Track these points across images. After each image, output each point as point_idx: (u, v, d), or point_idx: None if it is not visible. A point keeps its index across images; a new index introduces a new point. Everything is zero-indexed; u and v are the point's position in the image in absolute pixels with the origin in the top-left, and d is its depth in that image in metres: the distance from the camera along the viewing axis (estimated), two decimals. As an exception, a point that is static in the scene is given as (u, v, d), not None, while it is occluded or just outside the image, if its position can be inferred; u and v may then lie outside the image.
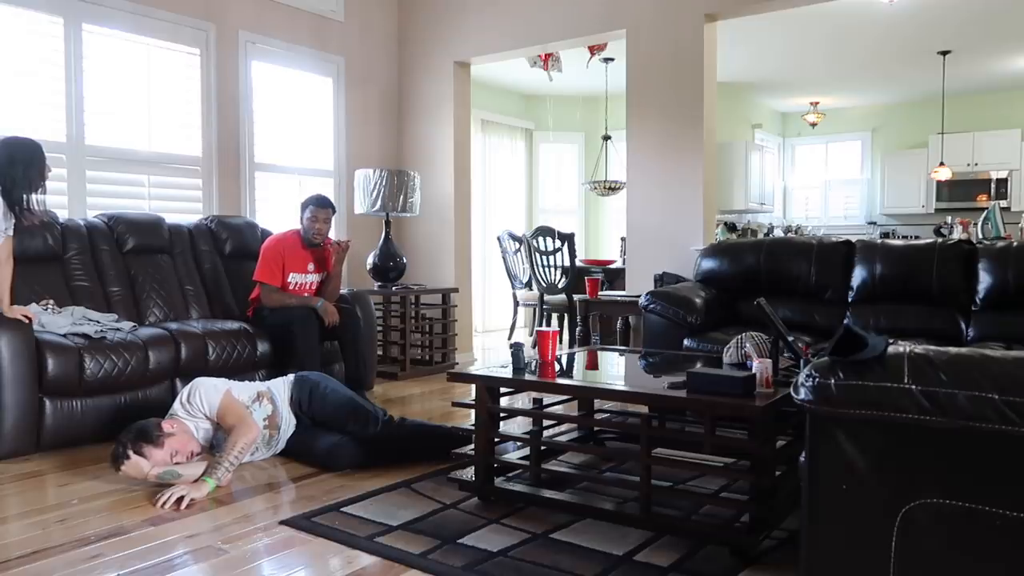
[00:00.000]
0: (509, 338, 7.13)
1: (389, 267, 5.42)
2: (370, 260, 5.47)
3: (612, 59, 7.37)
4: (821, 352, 1.63)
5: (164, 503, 2.64)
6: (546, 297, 6.40)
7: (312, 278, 4.42)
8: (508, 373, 2.70)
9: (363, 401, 3.33)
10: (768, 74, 8.37)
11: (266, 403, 3.21)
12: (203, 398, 3.07)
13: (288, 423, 3.27)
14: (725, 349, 2.88)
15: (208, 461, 2.93)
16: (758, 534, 2.22)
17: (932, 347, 1.47)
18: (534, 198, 9.43)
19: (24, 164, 3.34)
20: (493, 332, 8.50)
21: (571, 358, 3.20)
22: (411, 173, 5.43)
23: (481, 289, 8.40)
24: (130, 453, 2.79)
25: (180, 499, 2.65)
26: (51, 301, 3.73)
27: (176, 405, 3.11)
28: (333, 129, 5.95)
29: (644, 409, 2.80)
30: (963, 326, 3.70)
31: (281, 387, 3.32)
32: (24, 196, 3.36)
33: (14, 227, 3.44)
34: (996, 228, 6.34)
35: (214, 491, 2.76)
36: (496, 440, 2.75)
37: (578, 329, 5.39)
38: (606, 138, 8.36)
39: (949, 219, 8.49)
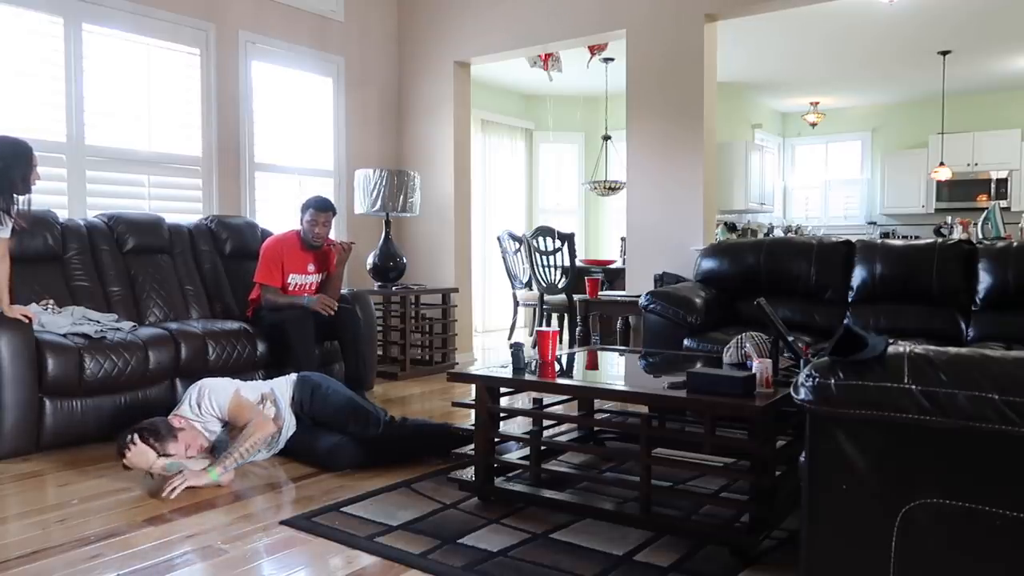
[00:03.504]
0: (509, 338, 7.13)
1: (389, 267, 5.42)
2: (370, 260, 5.47)
3: (612, 59, 7.37)
4: (821, 352, 1.63)
5: (172, 491, 2.70)
6: (546, 297, 6.40)
7: (312, 279, 4.42)
8: (508, 373, 2.70)
9: (364, 402, 3.33)
10: (768, 74, 8.37)
11: (269, 405, 3.22)
12: (212, 400, 3.08)
13: (289, 424, 3.27)
14: (725, 349, 2.88)
15: (210, 459, 2.96)
16: (758, 534, 2.22)
17: (932, 347, 1.47)
18: (534, 198, 9.43)
19: (3, 163, 3.30)
20: (493, 332, 8.50)
21: (571, 358, 3.20)
22: (411, 173, 5.43)
23: (481, 289, 8.40)
24: (137, 441, 2.83)
25: (178, 485, 2.72)
26: (51, 301, 3.73)
27: (184, 407, 3.10)
28: (333, 129, 5.95)
29: (644, 409, 2.80)
30: (963, 326, 3.70)
31: (284, 387, 3.33)
32: (3, 196, 3.32)
33: (11, 229, 3.42)
34: (996, 228, 6.34)
35: (215, 480, 2.80)
36: (496, 440, 2.75)
37: (578, 329, 5.39)
38: (606, 138, 8.36)
39: (949, 219, 8.49)
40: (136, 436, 2.84)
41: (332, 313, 4.22)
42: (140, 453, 2.82)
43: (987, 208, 6.61)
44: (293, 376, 3.40)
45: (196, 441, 3.01)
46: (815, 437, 1.52)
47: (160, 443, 2.87)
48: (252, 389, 3.24)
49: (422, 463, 3.17)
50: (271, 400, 3.23)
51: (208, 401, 3.08)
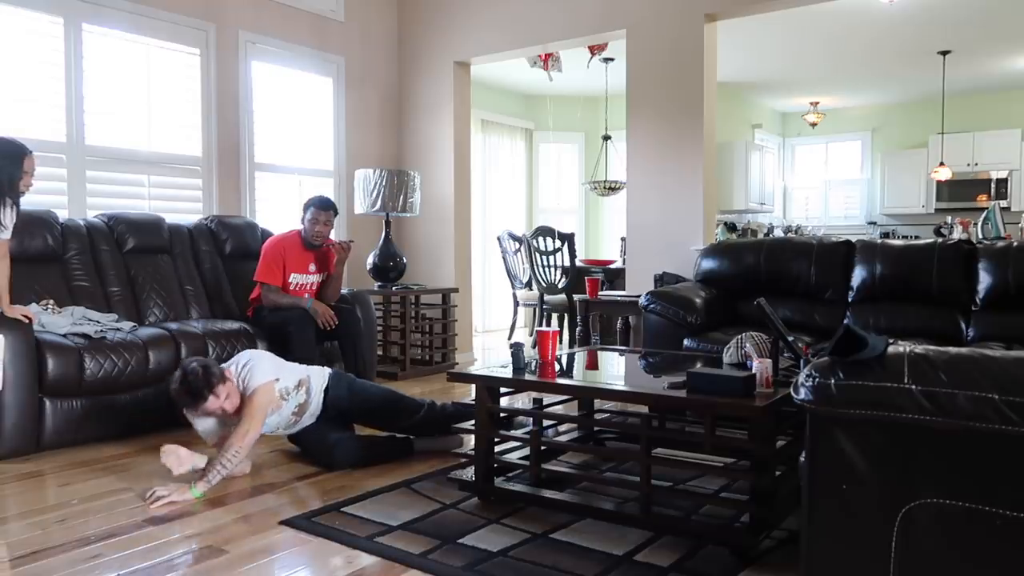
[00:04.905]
0: (509, 338, 7.12)
1: (389, 267, 5.42)
2: (370, 260, 5.47)
3: (612, 59, 7.37)
4: (821, 352, 1.63)
5: (154, 501, 2.68)
6: (546, 297, 6.40)
7: (313, 279, 4.42)
8: (508, 373, 2.70)
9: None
10: (768, 74, 8.37)
11: (303, 392, 3.23)
12: (249, 375, 3.03)
13: (314, 413, 3.28)
14: (725, 349, 2.88)
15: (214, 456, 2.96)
16: (758, 534, 2.22)
17: (932, 347, 1.47)
18: (534, 198, 9.43)
19: None
20: (493, 332, 8.50)
21: (571, 358, 3.20)
22: (411, 173, 5.43)
23: (481, 289, 8.40)
24: (206, 394, 2.88)
25: (160, 497, 2.70)
26: (51, 301, 3.73)
27: (232, 366, 3.08)
28: (333, 129, 5.95)
29: (644, 409, 2.80)
30: (963, 326, 3.70)
31: (318, 377, 3.33)
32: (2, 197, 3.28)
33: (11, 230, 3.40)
34: (996, 228, 6.33)
35: (198, 496, 2.74)
36: (496, 440, 2.75)
37: (578, 329, 5.39)
38: (606, 138, 8.36)
39: (949, 219, 8.49)
40: (205, 389, 2.88)
41: (332, 328, 4.23)
42: (188, 394, 2.88)
43: (987, 208, 6.60)
44: (327, 369, 3.43)
45: (235, 399, 2.97)
46: (815, 437, 1.52)
47: (210, 380, 2.89)
48: (292, 373, 3.23)
49: (422, 463, 3.18)
50: (306, 388, 3.24)
51: (247, 372, 3.04)
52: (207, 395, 2.89)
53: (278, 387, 3.11)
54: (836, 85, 8.83)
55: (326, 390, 3.31)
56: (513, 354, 2.74)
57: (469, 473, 2.76)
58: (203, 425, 3.06)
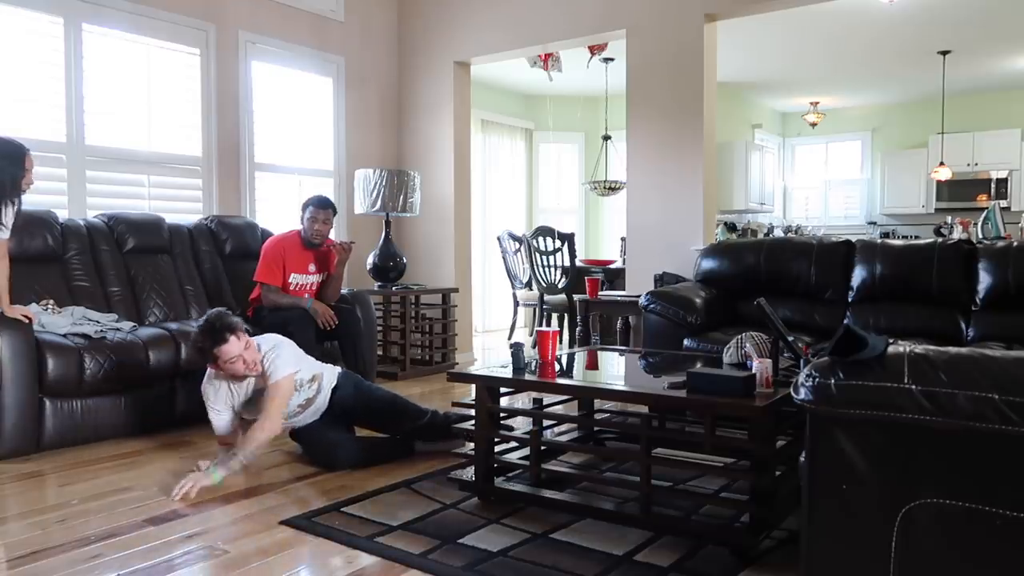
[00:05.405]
0: (509, 338, 7.12)
1: (389, 267, 5.42)
2: (370, 260, 5.47)
3: (612, 59, 7.37)
4: (821, 352, 1.63)
5: (181, 492, 2.73)
6: (546, 297, 6.40)
7: (313, 279, 4.42)
8: (508, 373, 2.70)
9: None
10: (768, 74, 8.37)
11: (315, 387, 3.24)
12: (274, 362, 3.03)
13: (318, 409, 3.29)
14: (725, 349, 2.88)
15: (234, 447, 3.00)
16: (758, 534, 2.22)
17: (932, 347, 1.47)
18: (534, 198, 9.43)
19: None
20: (493, 332, 8.50)
21: (571, 358, 3.20)
22: (411, 173, 5.43)
23: (481, 289, 8.40)
24: (227, 336, 2.89)
25: (188, 487, 2.75)
26: (51, 301, 3.73)
27: (255, 342, 3.08)
28: (333, 129, 5.95)
29: (644, 409, 2.80)
30: (963, 326, 3.70)
31: (330, 374, 3.35)
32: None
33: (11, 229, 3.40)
34: (996, 228, 6.33)
35: (220, 484, 2.81)
36: (496, 440, 2.75)
37: (578, 329, 5.39)
38: (606, 138, 8.36)
39: (949, 219, 8.48)
40: (227, 333, 2.90)
41: (332, 328, 4.24)
42: (210, 333, 2.91)
43: (987, 208, 6.60)
44: (338, 368, 3.45)
45: (254, 355, 2.98)
46: (815, 437, 1.52)
47: (231, 324, 2.91)
48: (310, 367, 3.25)
49: (422, 463, 3.18)
50: (318, 383, 3.26)
51: (272, 357, 3.03)
52: (228, 336, 2.89)
53: (296, 378, 3.12)
54: (836, 85, 8.82)
55: (334, 388, 3.32)
56: (513, 354, 2.75)
57: (469, 473, 2.76)
58: (220, 414, 3.06)
